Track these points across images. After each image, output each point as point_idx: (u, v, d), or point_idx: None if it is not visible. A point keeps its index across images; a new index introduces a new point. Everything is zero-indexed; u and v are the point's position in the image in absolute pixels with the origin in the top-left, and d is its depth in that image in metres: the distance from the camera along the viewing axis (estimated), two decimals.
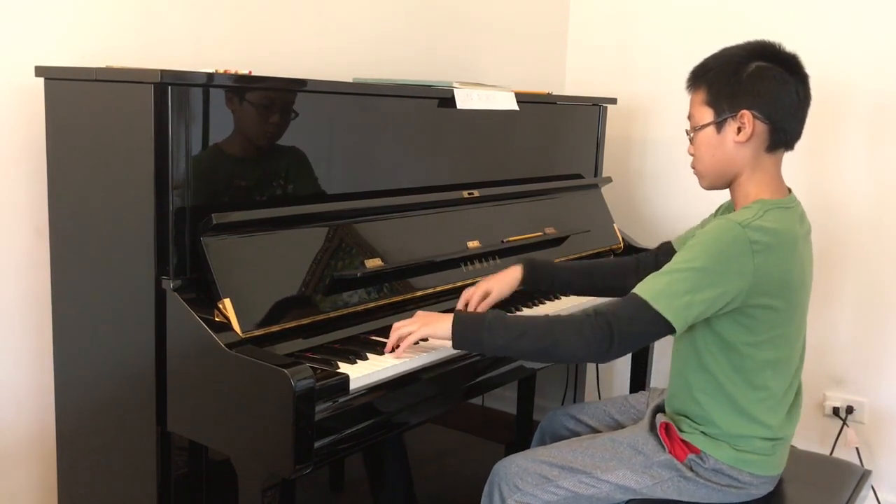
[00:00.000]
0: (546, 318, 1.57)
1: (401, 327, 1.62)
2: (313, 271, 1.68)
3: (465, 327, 1.58)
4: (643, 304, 1.50)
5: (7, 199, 1.76)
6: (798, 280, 1.59)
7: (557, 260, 2.09)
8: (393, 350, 1.63)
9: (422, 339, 1.65)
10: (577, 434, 1.90)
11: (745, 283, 1.51)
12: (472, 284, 1.93)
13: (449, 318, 1.59)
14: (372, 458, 2.23)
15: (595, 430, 1.92)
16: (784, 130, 1.60)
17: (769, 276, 1.52)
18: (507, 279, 1.86)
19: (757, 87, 1.57)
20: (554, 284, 1.91)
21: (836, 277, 2.67)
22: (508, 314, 1.61)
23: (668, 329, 1.51)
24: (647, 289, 1.51)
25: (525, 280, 1.88)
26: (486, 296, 1.84)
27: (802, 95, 1.60)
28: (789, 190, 1.67)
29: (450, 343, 1.59)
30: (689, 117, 1.68)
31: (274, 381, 1.37)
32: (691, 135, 1.67)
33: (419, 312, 1.66)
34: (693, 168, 1.70)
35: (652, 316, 1.49)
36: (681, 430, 1.66)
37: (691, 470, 1.62)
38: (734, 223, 1.52)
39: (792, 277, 1.57)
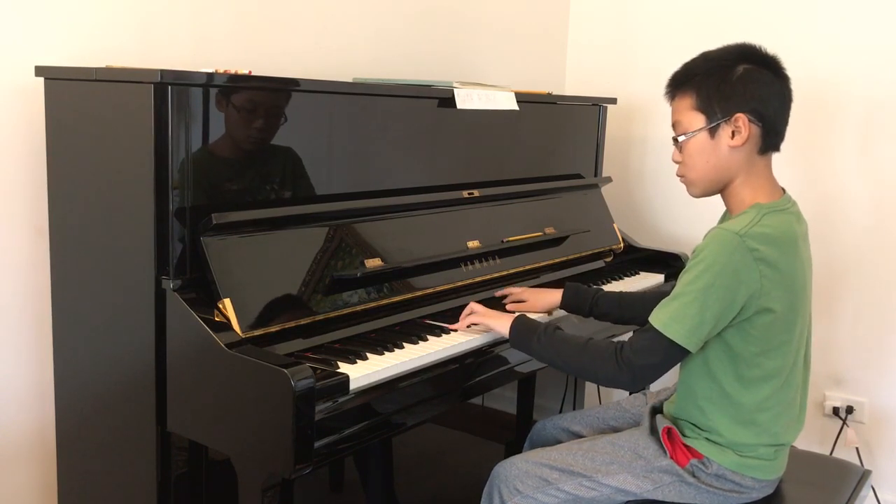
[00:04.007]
0: (584, 344, 1.63)
1: (475, 310, 1.80)
2: (313, 271, 1.68)
3: (520, 331, 1.72)
4: (657, 334, 1.53)
5: (7, 199, 1.76)
6: (800, 282, 1.59)
7: (606, 288, 2.19)
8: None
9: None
10: None
11: (752, 290, 1.51)
12: (473, 284, 2.03)
13: (510, 318, 1.74)
14: (357, 457, 2.23)
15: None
16: (776, 132, 1.60)
17: (774, 281, 1.52)
18: (545, 300, 1.99)
19: (748, 90, 1.56)
20: (592, 312, 1.97)
21: (836, 278, 2.67)
22: (559, 330, 1.70)
23: (684, 353, 1.54)
24: (659, 317, 1.54)
25: (564, 305, 1.99)
26: (521, 301, 2.00)
27: (787, 96, 1.60)
28: (783, 190, 1.66)
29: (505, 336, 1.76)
30: (675, 124, 1.65)
31: (274, 381, 1.37)
32: (680, 142, 1.64)
33: (493, 310, 1.82)
34: (682, 176, 1.67)
35: (666, 344, 1.53)
36: (684, 436, 1.66)
37: (693, 475, 1.61)
38: (731, 234, 1.51)
39: (795, 280, 1.57)
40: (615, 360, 1.56)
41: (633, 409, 1.92)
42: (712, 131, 1.59)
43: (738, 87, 1.57)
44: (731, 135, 1.58)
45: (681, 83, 1.64)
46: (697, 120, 1.61)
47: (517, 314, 1.77)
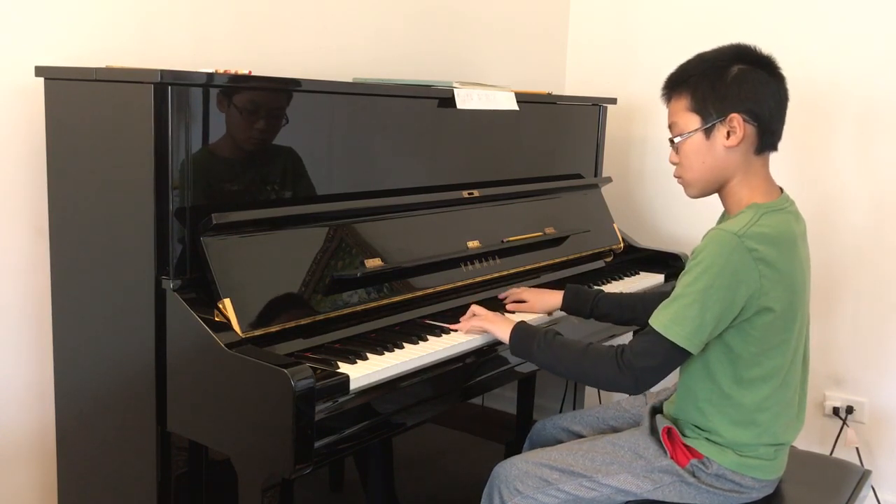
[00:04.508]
0: (584, 349, 1.63)
1: (476, 312, 1.80)
2: (313, 271, 1.68)
3: (520, 337, 1.71)
4: (658, 336, 1.53)
5: (7, 199, 1.76)
6: (799, 281, 1.59)
7: (606, 288, 2.21)
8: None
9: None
10: None
11: (752, 290, 1.50)
12: (473, 284, 2.03)
13: (511, 323, 1.74)
14: (357, 457, 2.23)
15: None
16: (771, 131, 1.60)
17: (773, 281, 1.52)
18: (545, 301, 2.00)
19: (743, 90, 1.56)
20: (593, 314, 1.97)
21: (835, 278, 2.67)
22: (559, 335, 1.69)
23: (685, 355, 1.54)
24: (659, 319, 1.54)
25: (564, 307, 1.99)
26: (522, 301, 2.01)
27: (782, 95, 1.60)
28: (781, 190, 1.66)
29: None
30: (672, 126, 1.65)
31: (274, 381, 1.37)
32: (676, 143, 1.64)
33: (495, 313, 1.82)
34: (679, 177, 1.67)
35: (667, 346, 1.52)
36: (684, 436, 1.66)
37: (693, 475, 1.61)
38: (730, 234, 1.51)
39: (794, 279, 1.57)
40: (616, 363, 1.56)
41: (633, 409, 1.92)
42: (708, 132, 1.60)
43: (733, 88, 1.57)
44: (726, 135, 1.58)
45: (676, 84, 1.64)
46: (693, 121, 1.61)
47: (517, 320, 1.77)
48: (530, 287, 2.09)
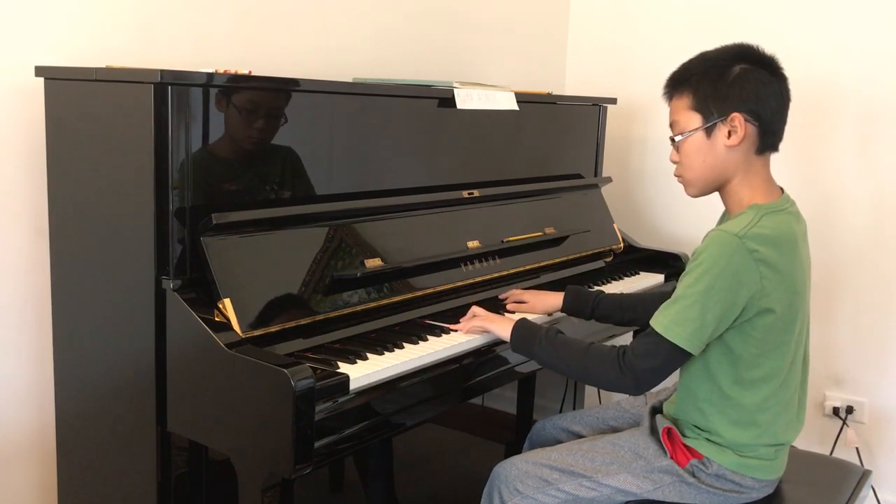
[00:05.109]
0: (585, 349, 1.63)
1: (476, 313, 1.81)
2: (313, 271, 1.68)
3: (521, 335, 1.72)
4: (659, 338, 1.53)
5: (7, 199, 1.76)
6: (800, 282, 1.59)
7: (607, 288, 2.21)
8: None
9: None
10: None
11: (752, 291, 1.50)
12: (473, 284, 2.03)
13: (512, 321, 1.74)
14: (357, 457, 2.23)
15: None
16: (773, 132, 1.59)
17: (774, 282, 1.52)
18: (546, 302, 2.00)
19: (745, 90, 1.56)
20: (594, 315, 1.98)
21: (836, 278, 2.67)
22: (560, 334, 1.69)
23: (686, 356, 1.54)
24: (660, 321, 1.54)
25: (565, 308, 2.00)
26: (522, 302, 2.01)
27: (785, 96, 1.60)
28: (782, 190, 1.66)
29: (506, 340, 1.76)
30: (673, 124, 1.65)
31: (274, 381, 1.37)
32: (677, 141, 1.64)
33: (496, 315, 1.82)
34: (679, 176, 1.67)
35: (668, 347, 1.52)
36: (684, 436, 1.66)
37: (693, 475, 1.61)
38: (731, 235, 1.51)
39: (794, 280, 1.57)
40: (617, 364, 1.56)
41: (633, 410, 1.92)
42: (709, 131, 1.59)
43: (735, 87, 1.57)
44: (727, 134, 1.58)
45: (678, 83, 1.64)
46: (694, 120, 1.61)
47: (518, 318, 1.77)
48: (530, 288, 2.09)
